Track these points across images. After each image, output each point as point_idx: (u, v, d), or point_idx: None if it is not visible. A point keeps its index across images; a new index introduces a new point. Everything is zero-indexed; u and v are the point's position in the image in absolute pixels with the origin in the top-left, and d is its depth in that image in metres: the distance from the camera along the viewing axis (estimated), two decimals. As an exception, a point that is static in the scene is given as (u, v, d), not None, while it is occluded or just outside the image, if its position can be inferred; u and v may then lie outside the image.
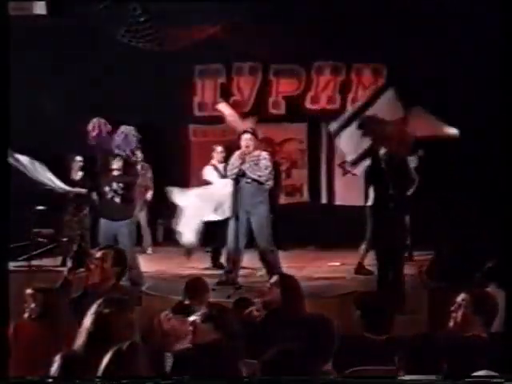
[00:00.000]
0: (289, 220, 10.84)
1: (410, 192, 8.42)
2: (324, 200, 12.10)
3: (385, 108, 7.85)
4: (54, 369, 3.58)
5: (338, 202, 11.96)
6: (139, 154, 9.91)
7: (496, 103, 5.84)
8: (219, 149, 10.13)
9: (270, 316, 5.15)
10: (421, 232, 9.28)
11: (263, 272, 8.61)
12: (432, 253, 8.98)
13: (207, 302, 5.31)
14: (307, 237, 11.31)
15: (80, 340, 3.74)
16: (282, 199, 11.49)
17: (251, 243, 8.71)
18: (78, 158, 10.00)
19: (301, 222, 11.34)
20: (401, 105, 7.88)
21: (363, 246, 9.14)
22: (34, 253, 9.47)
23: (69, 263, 5.79)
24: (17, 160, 8.06)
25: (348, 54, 11.36)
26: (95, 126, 8.89)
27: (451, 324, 4.48)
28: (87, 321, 3.77)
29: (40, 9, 9.22)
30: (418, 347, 3.64)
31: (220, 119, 10.18)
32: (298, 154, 12.08)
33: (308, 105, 12.01)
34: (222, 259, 9.38)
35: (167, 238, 11.99)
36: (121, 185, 8.35)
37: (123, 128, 8.73)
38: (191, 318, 4.27)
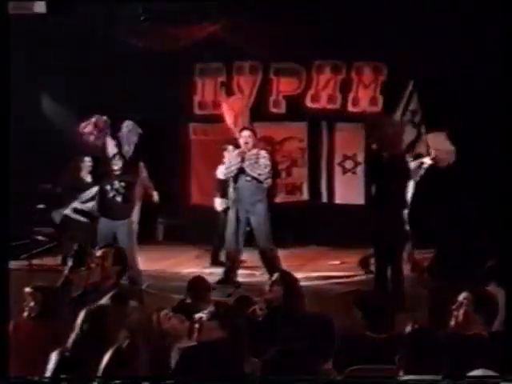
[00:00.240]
0: (289, 218, 10.85)
1: (409, 191, 8.47)
2: (324, 199, 12.10)
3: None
4: (51, 366, 3.61)
5: (337, 201, 11.96)
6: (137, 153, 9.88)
7: (496, 103, 5.84)
8: (230, 148, 10.09)
9: (272, 314, 5.16)
10: (421, 231, 9.27)
11: (263, 270, 8.62)
12: (433, 251, 8.98)
13: (211, 301, 5.32)
14: (307, 235, 11.31)
15: (73, 337, 3.78)
16: (282, 198, 11.50)
17: (251, 242, 8.73)
18: (87, 159, 9.99)
19: (301, 220, 11.35)
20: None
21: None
22: (34, 252, 9.47)
23: (69, 262, 5.79)
24: None
25: (348, 52, 11.35)
26: (94, 123, 8.86)
27: (452, 323, 4.48)
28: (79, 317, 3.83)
29: (40, 8, 9.21)
30: (418, 346, 3.64)
31: (220, 118, 10.19)
32: (298, 152, 12.07)
33: (308, 103, 12.01)
34: (222, 257, 9.39)
35: (167, 237, 12.05)
36: (122, 184, 8.26)
37: (127, 123, 8.70)
38: (197, 316, 4.29)
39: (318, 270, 9.51)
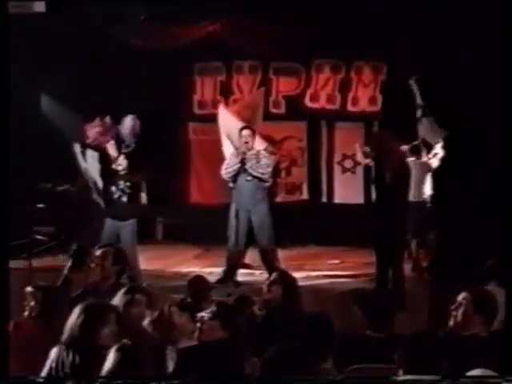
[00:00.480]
0: (288, 218, 10.85)
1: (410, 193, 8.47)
2: (324, 198, 12.10)
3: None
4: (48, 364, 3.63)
5: (337, 200, 11.96)
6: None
7: (496, 103, 5.85)
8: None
9: (271, 314, 5.16)
10: (421, 230, 9.27)
11: (263, 270, 8.62)
12: (432, 251, 8.98)
13: (212, 300, 5.32)
14: (307, 235, 11.31)
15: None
16: (282, 197, 11.50)
17: (252, 241, 8.72)
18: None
19: (300, 220, 11.35)
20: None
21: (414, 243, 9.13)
22: (35, 251, 9.47)
23: (69, 262, 5.80)
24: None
25: (348, 51, 11.35)
26: (98, 125, 8.86)
27: (451, 322, 4.48)
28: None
29: (40, 8, 9.22)
30: (418, 345, 3.65)
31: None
32: (297, 152, 12.06)
33: (308, 103, 12.00)
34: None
35: (166, 236, 12.04)
36: (128, 184, 8.18)
37: (130, 117, 8.66)
38: (199, 315, 4.30)
39: (318, 269, 9.51)
